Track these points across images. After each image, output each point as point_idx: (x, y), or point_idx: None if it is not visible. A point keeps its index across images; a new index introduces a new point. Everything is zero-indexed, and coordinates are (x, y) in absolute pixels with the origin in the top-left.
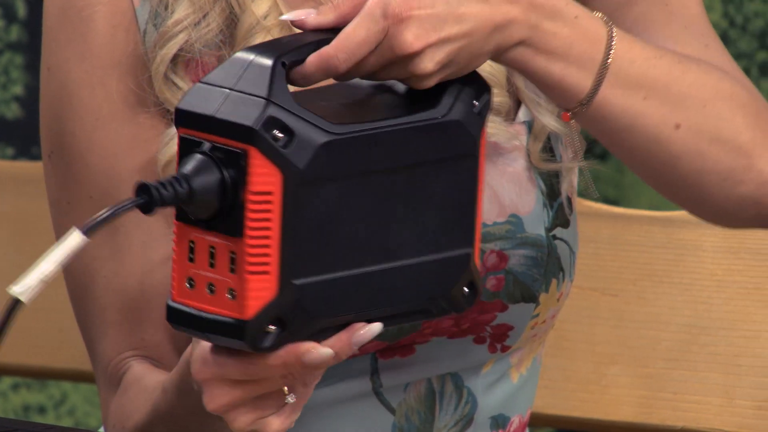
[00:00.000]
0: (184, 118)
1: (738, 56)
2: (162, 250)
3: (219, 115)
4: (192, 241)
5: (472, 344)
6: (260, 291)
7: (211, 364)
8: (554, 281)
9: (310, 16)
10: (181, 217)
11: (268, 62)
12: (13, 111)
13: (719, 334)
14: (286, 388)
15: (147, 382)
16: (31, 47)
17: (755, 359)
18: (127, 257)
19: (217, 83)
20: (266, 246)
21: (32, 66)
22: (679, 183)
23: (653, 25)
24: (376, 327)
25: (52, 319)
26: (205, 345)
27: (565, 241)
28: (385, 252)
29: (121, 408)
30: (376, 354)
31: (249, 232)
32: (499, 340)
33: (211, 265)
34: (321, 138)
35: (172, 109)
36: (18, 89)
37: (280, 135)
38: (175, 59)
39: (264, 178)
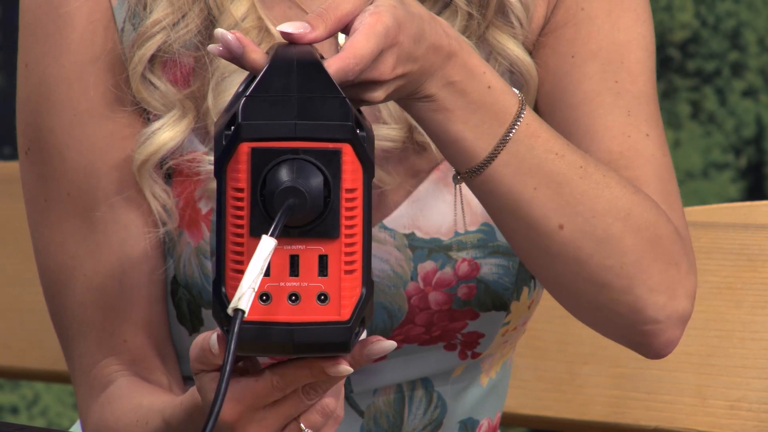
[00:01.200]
0: (254, 131)
1: (710, 56)
2: (139, 248)
3: (304, 119)
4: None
5: (443, 351)
6: (352, 290)
7: (243, 397)
8: (525, 289)
9: (306, 30)
10: (254, 234)
11: (316, 64)
12: None
13: (692, 334)
14: (302, 425)
15: (138, 401)
16: (2, 47)
17: (727, 359)
18: (105, 255)
19: (272, 92)
20: (355, 243)
21: (3, 66)
22: (553, 280)
23: (598, 109)
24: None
25: (25, 320)
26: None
27: None
28: None
29: (104, 422)
30: None
31: (345, 231)
32: (470, 347)
33: (294, 274)
34: (372, 132)
35: (150, 108)
36: None
37: (358, 131)
38: (152, 59)
39: (353, 175)
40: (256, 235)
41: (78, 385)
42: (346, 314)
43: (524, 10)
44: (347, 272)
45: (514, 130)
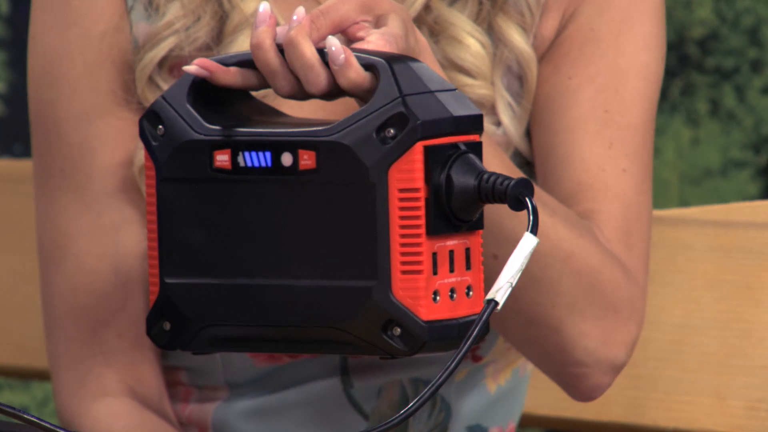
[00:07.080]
0: (427, 129)
1: (729, 53)
2: (133, 236)
3: (455, 113)
4: (434, 253)
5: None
6: (482, 280)
7: None
8: None
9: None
10: (433, 233)
11: (413, 59)
12: None
13: (711, 333)
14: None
15: None
16: (14, 44)
17: (747, 359)
18: (98, 237)
19: (413, 90)
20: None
21: (15, 63)
22: None
23: (579, 138)
24: None
25: (38, 319)
26: None
27: None
28: None
29: None
30: None
31: (481, 221)
32: (471, 350)
33: (451, 270)
34: None
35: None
36: (1, 86)
37: None
38: (161, 61)
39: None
40: (435, 234)
41: (62, 371)
42: (480, 304)
43: None
44: (482, 263)
45: None
